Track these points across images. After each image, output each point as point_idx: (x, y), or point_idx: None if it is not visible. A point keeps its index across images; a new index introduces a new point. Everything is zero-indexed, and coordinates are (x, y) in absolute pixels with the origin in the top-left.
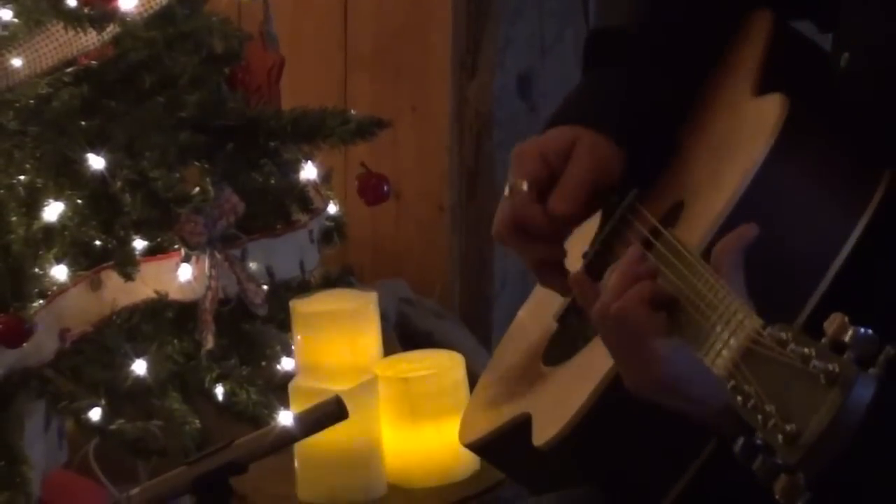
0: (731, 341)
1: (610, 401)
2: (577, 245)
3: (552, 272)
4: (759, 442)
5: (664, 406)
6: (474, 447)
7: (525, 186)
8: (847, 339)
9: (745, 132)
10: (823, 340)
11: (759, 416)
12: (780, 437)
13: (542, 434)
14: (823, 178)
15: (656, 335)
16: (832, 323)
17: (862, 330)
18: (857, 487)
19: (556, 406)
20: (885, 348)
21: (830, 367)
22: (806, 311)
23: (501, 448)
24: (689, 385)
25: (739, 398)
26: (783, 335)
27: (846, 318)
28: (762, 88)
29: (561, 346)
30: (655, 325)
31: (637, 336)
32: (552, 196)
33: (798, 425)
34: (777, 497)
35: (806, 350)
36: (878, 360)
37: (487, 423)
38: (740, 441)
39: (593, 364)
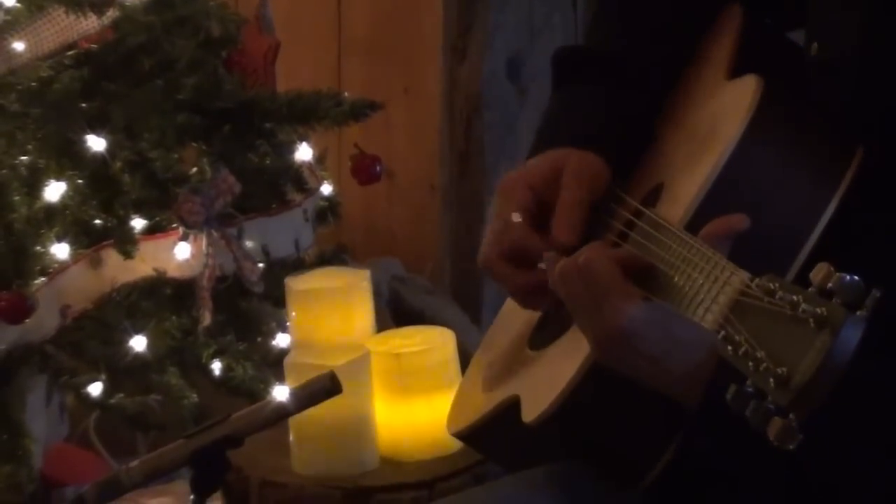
0: (720, 297)
1: (597, 375)
2: None
3: (536, 295)
4: (749, 389)
5: (625, 370)
6: (461, 435)
7: (518, 218)
8: (833, 285)
9: (722, 112)
10: (810, 289)
11: (750, 363)
12: (771, 380)
13: (531, 411)
14: (800, 153)
15: (619, 289)
16: (818, 272)
17: (847, 276)
18: (845, 432)
19: (544, 384)
20: (871, 291)
21: (819, 311)
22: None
23: (489, 433)
24: (644, 341)
25: (730, 347)
26: (771, 285)
27: (831, 267)
28: (735, 73)
29: (546, 330)
30: (621, 283)
31: (600, 287)
32: (554, 225)
33: (789, 368)
34: (771, 440)
35: (794, 297)
36: (864, 303)
37: (474, 411)
38: (732, 389)
39: (580, 342)
